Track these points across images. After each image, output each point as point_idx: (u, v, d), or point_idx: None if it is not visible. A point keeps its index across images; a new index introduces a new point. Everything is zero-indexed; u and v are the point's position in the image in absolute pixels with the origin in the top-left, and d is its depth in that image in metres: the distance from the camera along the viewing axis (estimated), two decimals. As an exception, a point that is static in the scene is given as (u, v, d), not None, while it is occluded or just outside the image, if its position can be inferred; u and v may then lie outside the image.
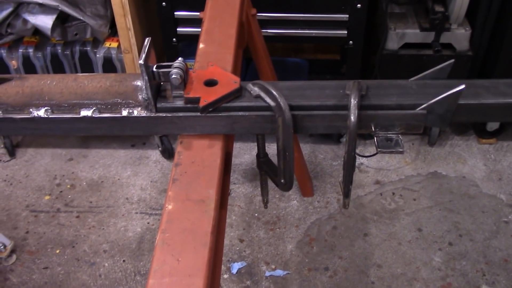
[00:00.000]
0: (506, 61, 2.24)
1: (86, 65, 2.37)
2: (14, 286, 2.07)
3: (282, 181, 1.20)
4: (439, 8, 2.13)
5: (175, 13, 2.16)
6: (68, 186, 2.46)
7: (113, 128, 1.11)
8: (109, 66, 2.34)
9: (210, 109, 1.07)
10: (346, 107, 1.04)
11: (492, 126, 2.53)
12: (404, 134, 1.11)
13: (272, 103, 1.05)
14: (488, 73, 2.34)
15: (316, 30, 2.19)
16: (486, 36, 2.26)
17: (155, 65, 1.05)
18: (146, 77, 1.03)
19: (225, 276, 2.09)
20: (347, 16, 2.13)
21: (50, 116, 1.09)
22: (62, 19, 2.26)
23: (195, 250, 0.87)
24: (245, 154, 2.58)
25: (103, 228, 2.27)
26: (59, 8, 2.15)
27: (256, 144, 1.25)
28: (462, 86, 1.02)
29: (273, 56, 1.97)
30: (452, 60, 1.12)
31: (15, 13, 2.22)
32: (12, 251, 2.16)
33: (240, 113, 1.08)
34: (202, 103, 1.05)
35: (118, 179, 2.49)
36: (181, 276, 0.84)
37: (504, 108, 1.08)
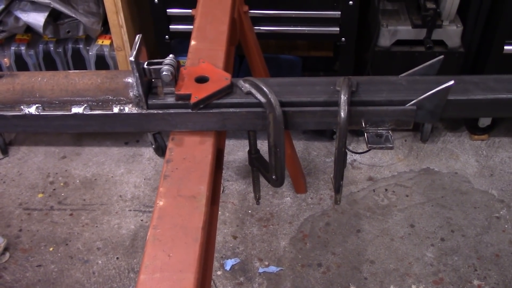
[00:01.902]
0: (497, 58, 2.25)
1: (79, 63, 2.36)
2: (7, 284, 2.07)
3: (273, 177, 1.20)
4: (430, 5, 2.13)
5: (168, 10, 2.16)
6: (61, 184, 2.46)
7: (105, 125, 1.11)
8: (102, 63, 2.34)
9: (201, 106, 1.07)
10: (337, 103, 1.05)
11: (484, 122, 2.54)
12: (394, 130, 1.12)
13: (263, 100, 1.06)
14: (479, 70, 2.36)
15: (308, 27, 2.19)
16: (477, 32, 2.27)
17: (146, 62, 1.05)
18: (137, 74, 1.03)
19: (219, 272, 2.09)
20: (339, 13, 2.14)
21: (41, 113, 1.09)
22: (54, 17, 2.25)
23: (186, 246, 0.88)
24: (238, 151, 2.58)
25: (97, 226, 2.27)
26: (51, 6, 2.15)
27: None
28: (451, 82, 1.03)
29: (266, 53, 1.98)
30: (442, 57, 1.13)
31: (7, 11, 2.21)
32: (5, 249, 2.16)
33: (231, 110, 1.08)
34: (193, 100, 1.06)
35: (112, 176, 2.49)
36: (172, 272, 0.84)
37: (493, 104, 1.09)
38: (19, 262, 2.14)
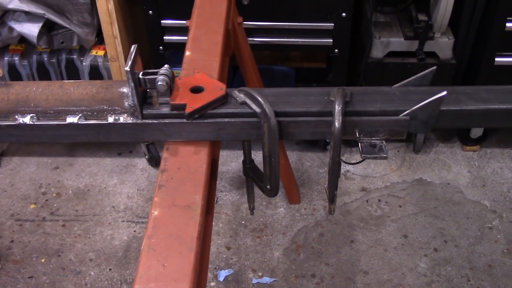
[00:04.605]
0: (488, 70, 2.28)
1: (73, 73, 2.36)
2: (-2, 296, 2.05)
3: (268, 187, 1.20)
4: (422, 17, 2.16)
5: (162, 21, 2.17)
6: (54, 194, 2.44)
7: (99, 135, 1.11)
8: (96, 74, 2.34)
9: (196, 116, 1.07)
10: (331, 113, 1.06)
11: (476, 133, 2.56)
12: (388, 140, 1.13)
13: (257, 110, 1.06)
14: (471, 81, 2.38)
15: (302, 38, 2.21)
16: (468, 44, 2.30)
17: (141, 72, 1.05)
18: (132, 84, 1.03)
19: (212, 283, 2.08)
20: (333, 24, 2.16)
21: (36, 123, 1.08)
22: (48, 27, 2.25)
23: (181, 255, 0.87)
24: (232, 162, 2.58)
25: (89, 237, 2.26)
26: (45, 16, 2.15)
27: (242, 151, 1.26)
28: (444, 93, 1.04)
29: (260, 64, 1.99)
30: (434, 67, 1.14)
31: (1, 21, 2.21)
32: (-3, 261, 2.14)
33: (226, 120, 1.08)
34: (188, 110, 1.06)
35: (105, 187, 2.48)
36: (167, 281, 0.84)
37: (485, 114, 1.10)
38: (11, 274, 2.12)
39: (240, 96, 1.09)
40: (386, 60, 2.26)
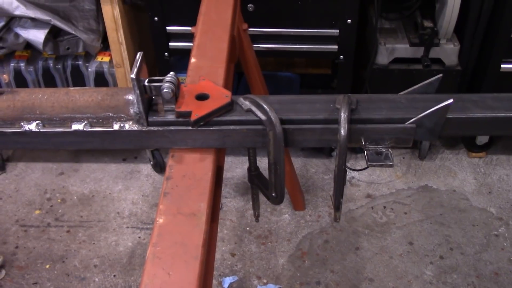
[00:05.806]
0: (494, 76, 2.27)
1: (78, 80, 2.37)
2: (2, 302, 2.05)
3: (273, 194, 1.20)
4: (428, 24, 2.16)
5: (167, 27, 2.18)
6: (59, 200, 2.45)
7: (105, 142, 1.10)
8: (101, 80, 2.34)
9: (202, 123, 1.07)
10: (337, 121, 1.05)
11: (482, 140, 2.55)
12: (394, 148, 1.12)
13: (263, 117, 1.06)
14: (476, 88, 2.37)
15: (307, 45, 2.21)
16: (474, 51, 2.29)
17: (147, 79, 1.05)
18: (138, 91, 1.03)
19: (217, 290, 2.08)
20: (338, 31, 2.16)
21: (41, 130, 1.08)
22: (54, 34, 2.26)
23: (186, 264, 0.87)
24: (236, 168, 2.58)
25: (94, 243, 2.25)
26: (51, 23, 2.16)
27: (247, 158, 1.26)
28: (451, 100, 1.04)
29: (264, 70, 1.99)
30: (440, 75, 1.14)
31: (7, 27, 2.22)
32: (1, 266, 2.14)
33: (231, 127, 1.08)
34: (193, 117, 1.06)
35: (109, 193, 2.48)
36: (172, 290, 0.84)
37: (492, 122, 1.09)
38: (15, 280, 2.12)
39: (245, 103, 1.09)
40: (391, 67, 2.25)
